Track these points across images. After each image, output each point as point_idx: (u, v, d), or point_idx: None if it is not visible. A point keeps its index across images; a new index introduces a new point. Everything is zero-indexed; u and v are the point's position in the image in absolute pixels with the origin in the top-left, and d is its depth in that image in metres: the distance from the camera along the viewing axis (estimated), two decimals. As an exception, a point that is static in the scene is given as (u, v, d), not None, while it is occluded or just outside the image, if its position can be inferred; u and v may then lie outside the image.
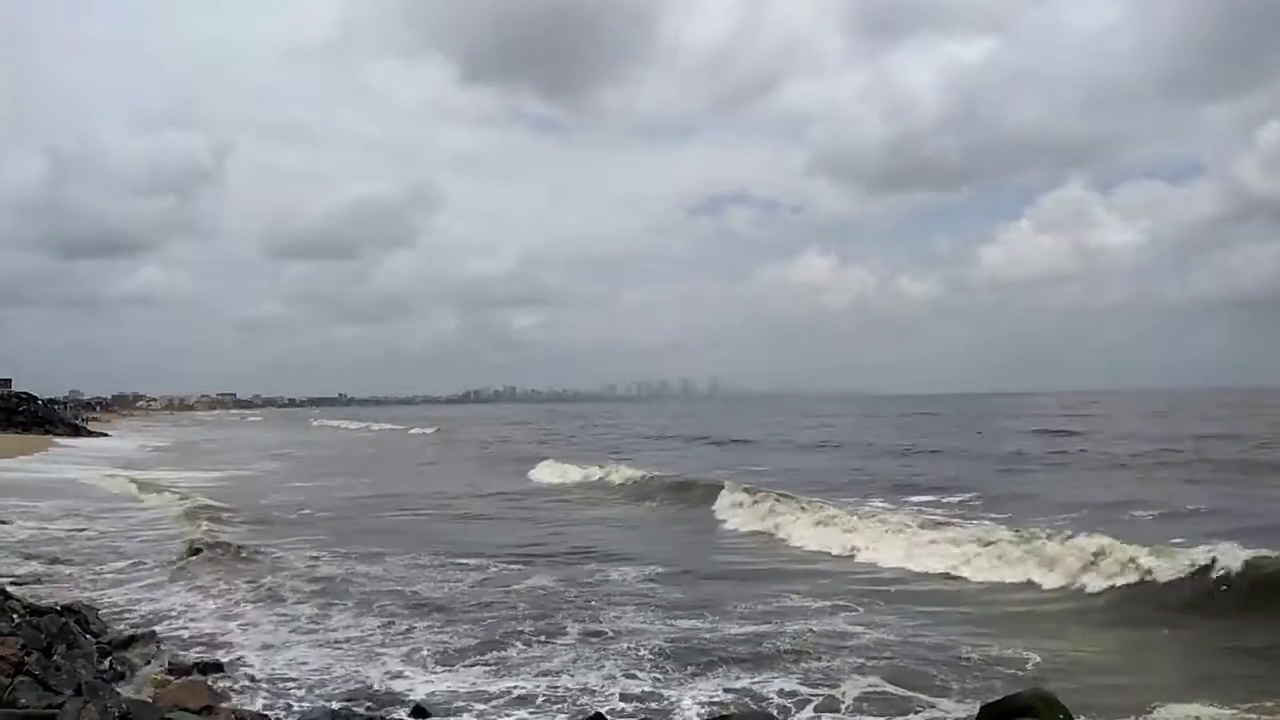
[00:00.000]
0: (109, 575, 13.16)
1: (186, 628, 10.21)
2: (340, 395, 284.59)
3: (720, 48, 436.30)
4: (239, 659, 8.98)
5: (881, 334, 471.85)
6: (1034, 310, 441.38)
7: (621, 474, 27.41)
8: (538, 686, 8.16)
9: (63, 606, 9.78)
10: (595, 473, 28.65)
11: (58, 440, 54.00)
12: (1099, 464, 27.31)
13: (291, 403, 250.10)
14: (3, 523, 17.26)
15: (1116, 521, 15.65)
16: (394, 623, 10.52)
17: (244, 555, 14.59)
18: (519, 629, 10.16)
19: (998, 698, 7.08)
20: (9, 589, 10.63)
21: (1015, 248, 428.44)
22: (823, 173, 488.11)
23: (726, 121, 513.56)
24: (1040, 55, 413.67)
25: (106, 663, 8.03)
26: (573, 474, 29.54)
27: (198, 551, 14.40)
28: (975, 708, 7.15)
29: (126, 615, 10.69)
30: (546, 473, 30.78)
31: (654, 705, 7.78)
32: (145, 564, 14.12)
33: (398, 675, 8.55)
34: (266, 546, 15.97)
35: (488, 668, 8.79)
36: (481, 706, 7.76)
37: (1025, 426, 48.69)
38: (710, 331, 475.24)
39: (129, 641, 8.66)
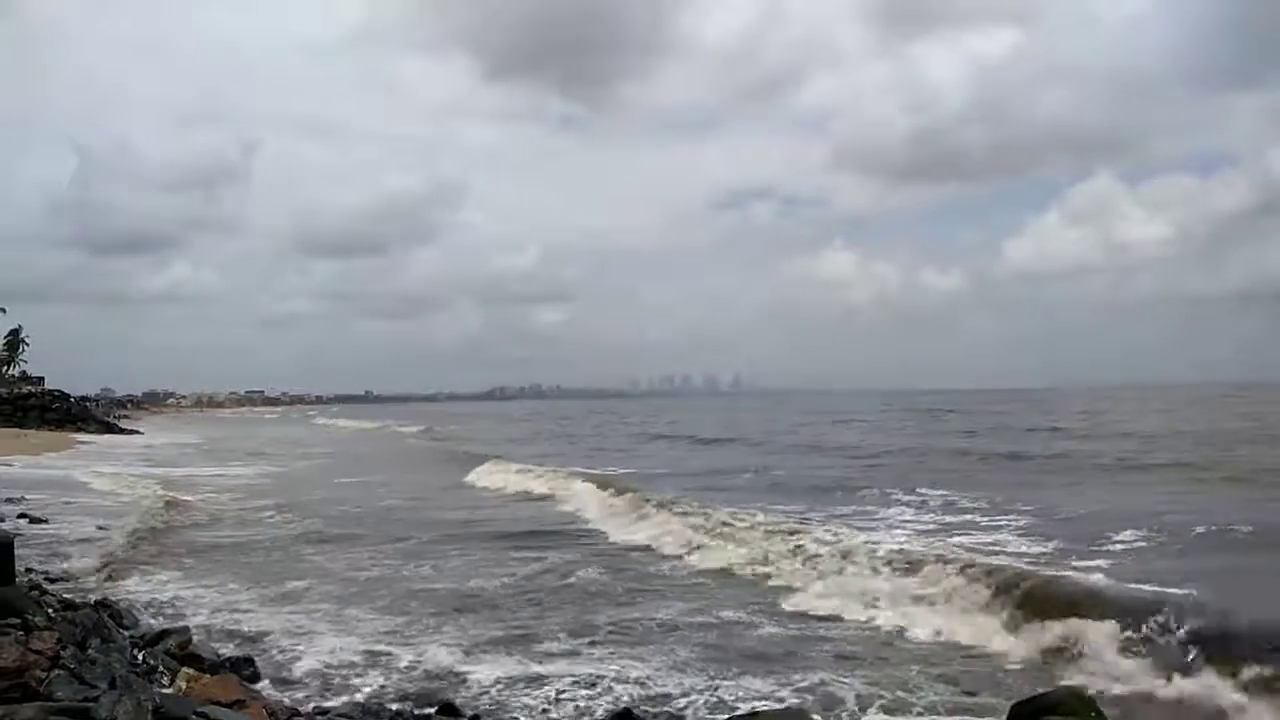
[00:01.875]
0: (140, 570, 13.35)
1: (218, 622, 10.33)
2: (367, 392, 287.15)
3: (742, 41, 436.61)
4: (270, 653, 9.09)
5: (906, 329, 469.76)
6: (1061, 304, 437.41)
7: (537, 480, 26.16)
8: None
9: (97, 601, 9.91)
10: (528, 476, 27.19)
11: (81, 438, 54.32)
12: (1100, 467, 25.83)
13: (318, 399, 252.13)
14: (42, 521, 17.52)
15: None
16: (417, 617, 10.64)
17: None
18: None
19: (1028, 695, 7.01)
20: (44, 585, 10.80)
21: (1042, 241, 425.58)
22: (846, 166, 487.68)
23: (749, 115, 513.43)
24: (1067, 47, 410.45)
25: (139, 657, 8.12)
26: (501, 478, 27.84)
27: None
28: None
29: (160, 610, 10.82)
30: (483, 475, 29.26)
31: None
32: (176, 561, 14.33)
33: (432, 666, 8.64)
34: (297, 545, 16.19)
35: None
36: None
37: (1047, 424, 47.81)
38: (734, 327, 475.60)
39: (161, 636, 8.75)
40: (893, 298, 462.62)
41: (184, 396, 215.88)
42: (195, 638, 8.92)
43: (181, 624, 9.66)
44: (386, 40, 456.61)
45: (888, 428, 53.31)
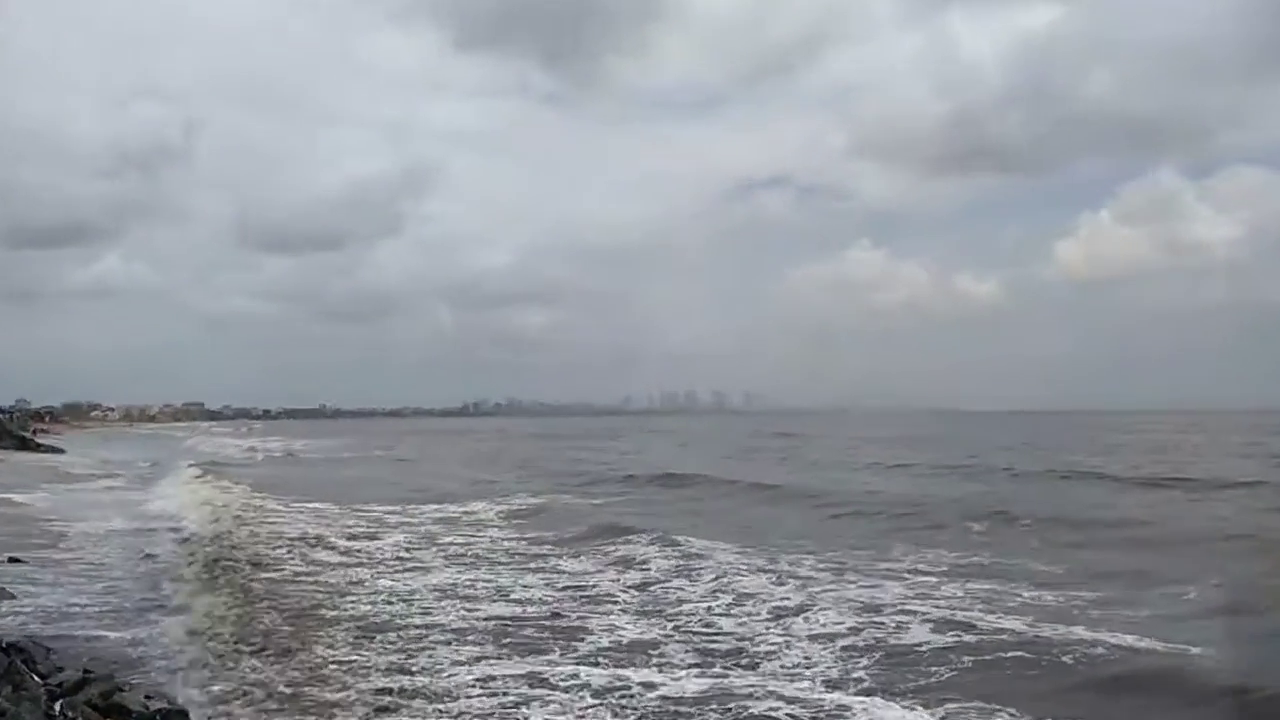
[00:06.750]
0: (63, 611, 13.29)
1: (149, 670, 10.27)
2: (322, 406, 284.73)
3: (751, 9, 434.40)
4: (203, 701, 9.04)
5: (939, 340, 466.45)
6: (1116, 314, 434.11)
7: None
8: None
9: (8, 644, 9.84)
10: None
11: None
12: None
13: (266, 414, 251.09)
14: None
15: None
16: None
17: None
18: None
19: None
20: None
21: (1095, 242, 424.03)
22: (870, 154, 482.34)
23: (759, 94, 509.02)
24: (1122, 19, 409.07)
25: (56, 707, 8.07)
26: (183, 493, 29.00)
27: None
28: None
29: (83, 656, 10.75)
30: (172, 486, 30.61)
31: None
32: (106, 601, 14.31)
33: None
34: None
35: None
36: None
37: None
38: (744, 335, 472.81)
39: (81, 684, 8.70)
40: (925, 305, 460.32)
41: (112, 409, 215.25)
42: (123, 688, 8.87)
43: (107, 671, 9.58)
44: (345, 7, 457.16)
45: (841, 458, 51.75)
